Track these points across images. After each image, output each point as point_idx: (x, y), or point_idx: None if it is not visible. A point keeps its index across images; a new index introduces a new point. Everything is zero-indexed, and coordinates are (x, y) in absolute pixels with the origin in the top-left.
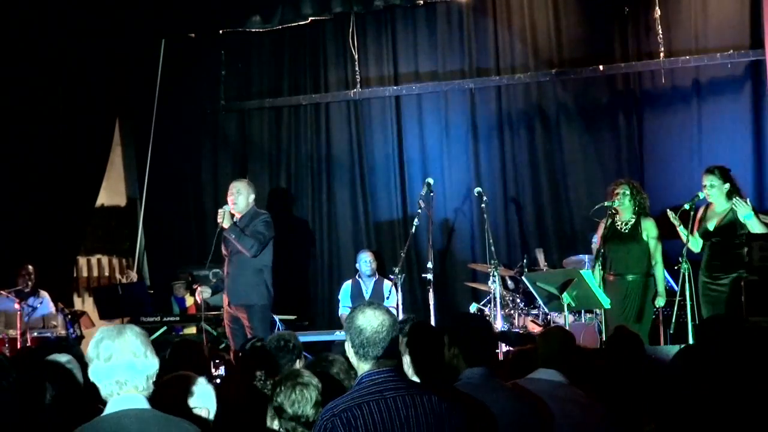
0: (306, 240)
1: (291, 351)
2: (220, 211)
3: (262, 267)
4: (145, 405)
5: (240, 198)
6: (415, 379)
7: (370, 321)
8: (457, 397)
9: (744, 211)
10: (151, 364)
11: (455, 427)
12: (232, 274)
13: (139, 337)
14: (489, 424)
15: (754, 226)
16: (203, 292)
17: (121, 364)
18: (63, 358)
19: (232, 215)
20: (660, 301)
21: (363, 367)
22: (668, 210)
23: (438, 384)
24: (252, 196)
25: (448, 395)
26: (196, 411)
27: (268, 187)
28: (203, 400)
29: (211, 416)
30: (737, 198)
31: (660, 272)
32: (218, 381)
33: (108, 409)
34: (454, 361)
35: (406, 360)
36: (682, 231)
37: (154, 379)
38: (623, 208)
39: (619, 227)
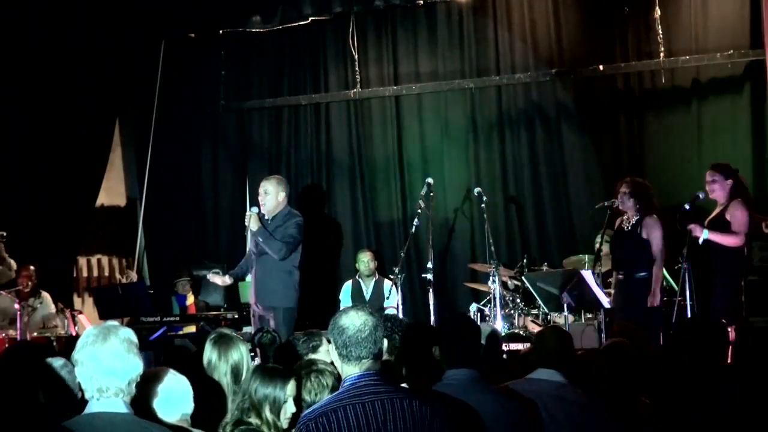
0: (306, 240)
1: (301, 344)
2: (247, 214)
3: (291, 269)
4: (122, 408)
5: (268, 198)
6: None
7: (353, 320)
8: (442, 399)
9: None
10: (134, 367)
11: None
12: (260, 275)
13: (123, 343)
14: (475, 424)
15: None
16: (213, 276)
17: (102, 370)
18: (57, 362)
19: (263, 216)
20: (652, 300)
21: (347, 369)
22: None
23: (426, 385)
24: (282, 194)
25: (432, 398)
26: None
27: None
28: (170, 404)
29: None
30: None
31: (657, 273)
32: None
33: (86, 410)
34: (441, 362)
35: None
36: None
37: (138, 380)
38: (626, 207)
39: (624, 226)
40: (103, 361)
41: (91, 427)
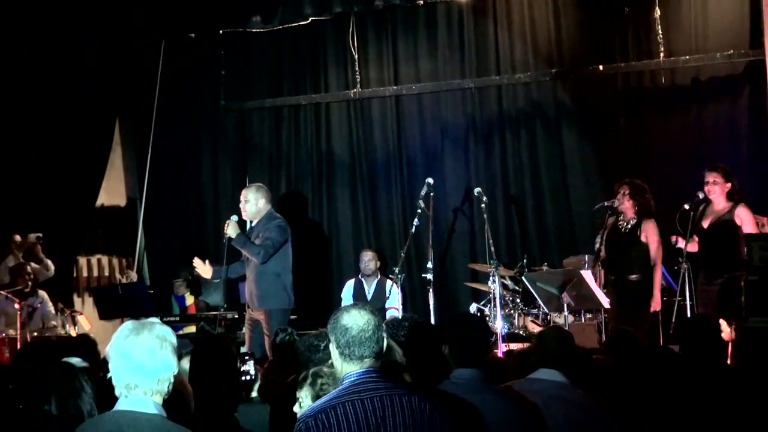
0: (306, 240)
1: (322, 351)
2: (226, 222)
3: (279, 271)
4: (150, 409)
5: (248, 205)
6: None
7: (356, 320)
8: (443, 396)
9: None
10: (165, 366)
11: (438, 427)
12: (250, 279)
13: (156, 339)
14: (476, 424)
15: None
16: (201, 267)
17: (131, 366)
18: (73, 360)
19: (245, 222)
20: (654, 305)
21: (347, 367)
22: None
23: (429, 383)
24: (262, 201)
25: (432, 395)
26: None
27: (268, 188)
28: None
29: None
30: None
31: (657, 276)
32: (246, 378)
33: (115, 407)
34: (450, 360)
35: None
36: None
37: (171, 379)
38: (624, 208)
39: (620, 227)
40: (133, 357)
41: (116, 424)
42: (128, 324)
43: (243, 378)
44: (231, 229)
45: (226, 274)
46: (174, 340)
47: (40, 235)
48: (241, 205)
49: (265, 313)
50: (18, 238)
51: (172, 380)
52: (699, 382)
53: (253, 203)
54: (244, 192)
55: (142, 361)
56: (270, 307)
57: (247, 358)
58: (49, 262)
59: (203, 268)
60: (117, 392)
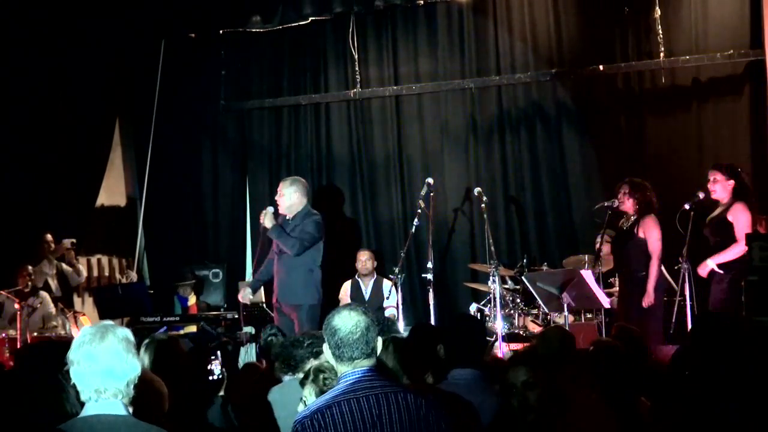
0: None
1: (305, 348)
2: (262, 212)
3: (312, 267)
4: (120, 411)
5: (282, 199)
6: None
7: (345, 322)
8: (439, 395)
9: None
10: (132, 368)
11: (434, 424)
12: (281, 273)
13: (121, 342)
14: (473, 422)
15: None
16: (245, 296)
17: (100, 370)
18: None
19: (278, 215)
20: (646, 300)
21: (341, 368)
22: None
23: (425, 382)
24: (296, 194)
25: (427, 393)
26: None
27: (268, 187)
28: None
29: None
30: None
31: (652, 271)
32: (212, 378)
33: (83, 412)
34: (445, 360)
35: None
36: None
37: (136, 382)
38: (626, 207)
39: (623, 226)
40: (101, 361)
41: (90, 429)
42: (88, 329)
43: (209, 378)
44: (267, 220)
45: (261, 283)
46: (134, 340)
47: (74, 240)
48: (277, 198)
49: (296, 308)
50: (50, 237)
51: (136, 382)
52: (714, 380)
53: (287, 197)
54: (280, 185)
55: (111, 365)
56: (300, 302)
57: (213, 357)
58: (81, 267)
59: (245, 298)
60: (84, 397)
